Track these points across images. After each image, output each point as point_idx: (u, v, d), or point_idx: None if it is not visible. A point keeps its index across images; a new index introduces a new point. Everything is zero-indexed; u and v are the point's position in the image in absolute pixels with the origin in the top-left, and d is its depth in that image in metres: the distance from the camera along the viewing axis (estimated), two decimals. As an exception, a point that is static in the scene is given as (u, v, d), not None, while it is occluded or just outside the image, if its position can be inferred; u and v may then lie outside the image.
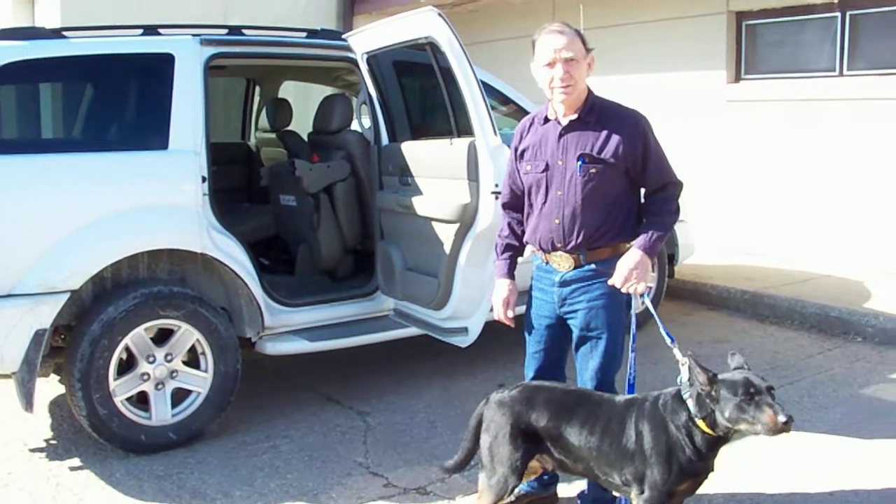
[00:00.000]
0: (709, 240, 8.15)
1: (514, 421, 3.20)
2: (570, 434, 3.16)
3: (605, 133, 3.29)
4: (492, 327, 5.13)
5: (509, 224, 3.63)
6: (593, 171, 3.27)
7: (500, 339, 5.57)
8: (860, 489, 3.89)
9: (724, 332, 6.55)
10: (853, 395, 5.11)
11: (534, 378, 3.58)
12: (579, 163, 3.29)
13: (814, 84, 8.04)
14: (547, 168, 3.38)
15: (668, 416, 3.05)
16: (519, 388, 3.33)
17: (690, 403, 2.99)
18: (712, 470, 3.11)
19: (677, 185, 3.39)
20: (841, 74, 7.88)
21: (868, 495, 3.84)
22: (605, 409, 3.18)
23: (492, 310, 3.67)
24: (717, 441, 3.00)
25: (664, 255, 6.61)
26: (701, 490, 3.18)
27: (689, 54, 8.90)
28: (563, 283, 3.41)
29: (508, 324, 3.60)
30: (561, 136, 3.36)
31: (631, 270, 3.23)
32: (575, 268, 3.37)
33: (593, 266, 3.34)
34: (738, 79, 8.75)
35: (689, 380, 3.03)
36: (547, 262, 3.47)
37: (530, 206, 3.49)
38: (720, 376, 2.96)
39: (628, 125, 3.30)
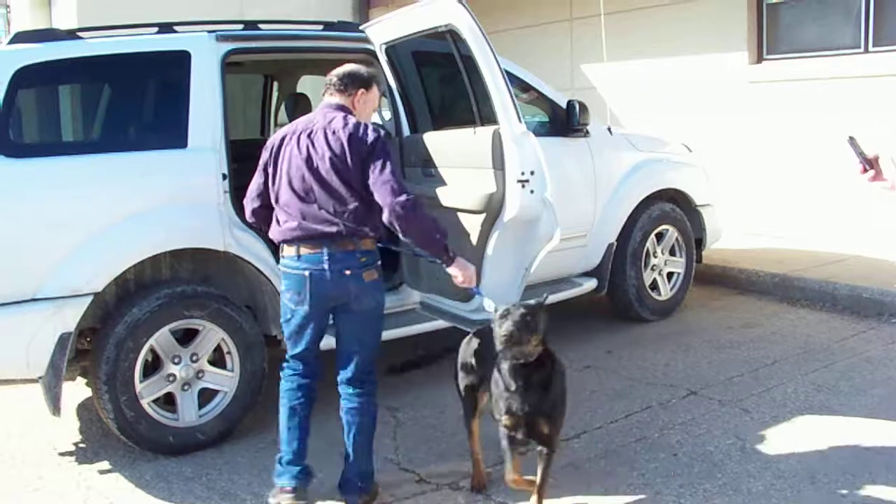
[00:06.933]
0: (736, 224, 8.04)
1: None
2: None
3: None
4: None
5: None
6: None
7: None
8: (904, 474, 3.81)
9: (755, 316, 6.44)
10: (890, 376, 5.00)
11: None
12: None
13: (838, 62, 7.89)
14: None
15: None
16: None
17: None
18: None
19: None
20: (866, 51, 7.74)
21: (912, 480, 3.75)
22: None
23: None
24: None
25: (692, 241, 6.53)
26: (737, 468, 3.09)
27: (709, 36, 8.78)
28: None
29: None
30: None
31: None
32: None
33: None
34: (760, 59, 8.62)
35: None
36: None
37: None
38: None
39: None
